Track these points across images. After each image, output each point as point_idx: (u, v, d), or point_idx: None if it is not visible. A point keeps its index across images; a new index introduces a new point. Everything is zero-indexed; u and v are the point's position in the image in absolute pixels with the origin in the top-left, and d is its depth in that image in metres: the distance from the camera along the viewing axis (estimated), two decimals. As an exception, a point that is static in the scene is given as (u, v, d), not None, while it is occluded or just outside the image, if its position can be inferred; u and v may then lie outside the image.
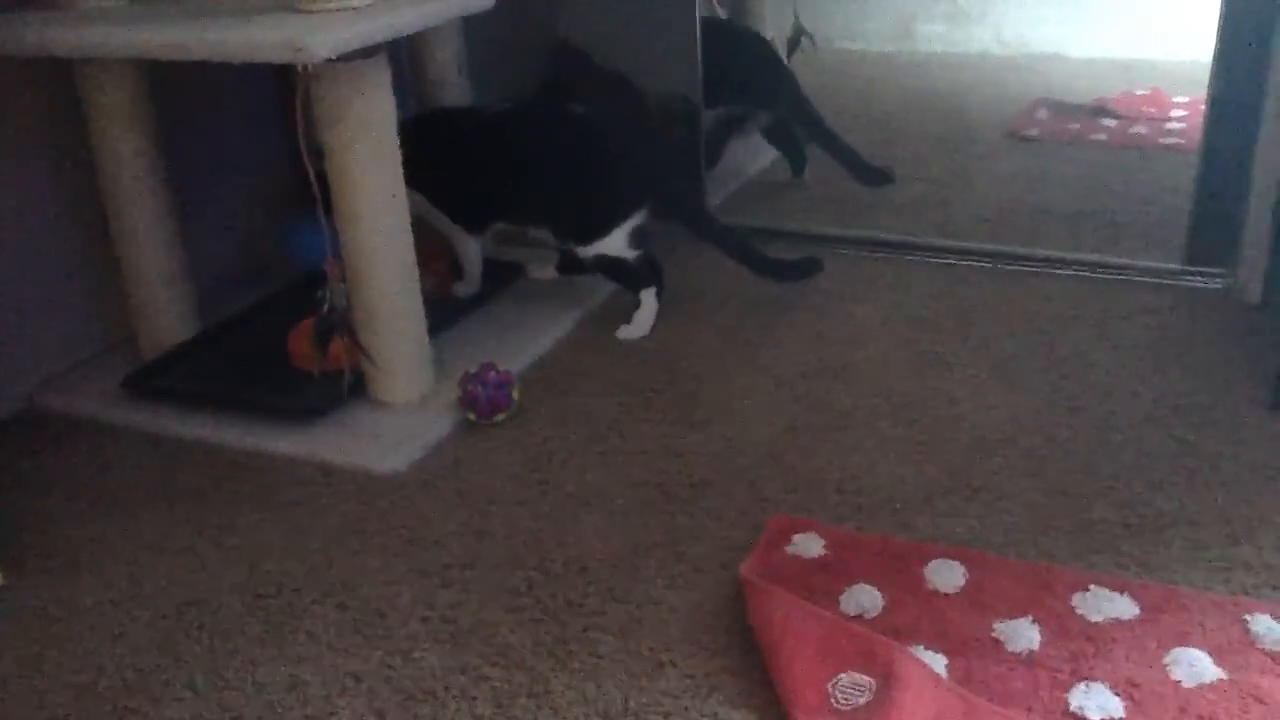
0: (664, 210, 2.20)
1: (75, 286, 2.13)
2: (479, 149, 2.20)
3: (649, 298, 2.18)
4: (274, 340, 2.07)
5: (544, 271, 2.38)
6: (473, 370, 1.88)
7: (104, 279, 2.12)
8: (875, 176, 2.77)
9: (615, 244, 2.14)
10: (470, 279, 2.30)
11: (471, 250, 2.28)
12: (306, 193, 1.74)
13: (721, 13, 3.03)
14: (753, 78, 2.83)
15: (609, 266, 2.17)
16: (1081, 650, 1.32)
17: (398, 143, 1.87)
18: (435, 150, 2.18)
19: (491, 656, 1.39)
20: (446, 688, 1.35)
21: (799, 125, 2.82)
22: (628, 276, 2.18)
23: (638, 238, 2.15)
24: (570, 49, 2.60)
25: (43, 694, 1.38)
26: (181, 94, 2.17)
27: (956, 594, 1.43)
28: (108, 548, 1.65)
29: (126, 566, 1.60)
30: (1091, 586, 1.42)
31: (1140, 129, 3.15)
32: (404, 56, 2.41)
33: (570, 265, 2.29)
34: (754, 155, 2.98)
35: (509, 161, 2.17)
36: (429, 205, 2.20)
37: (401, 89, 1.89)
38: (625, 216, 2.13)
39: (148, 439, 1.92)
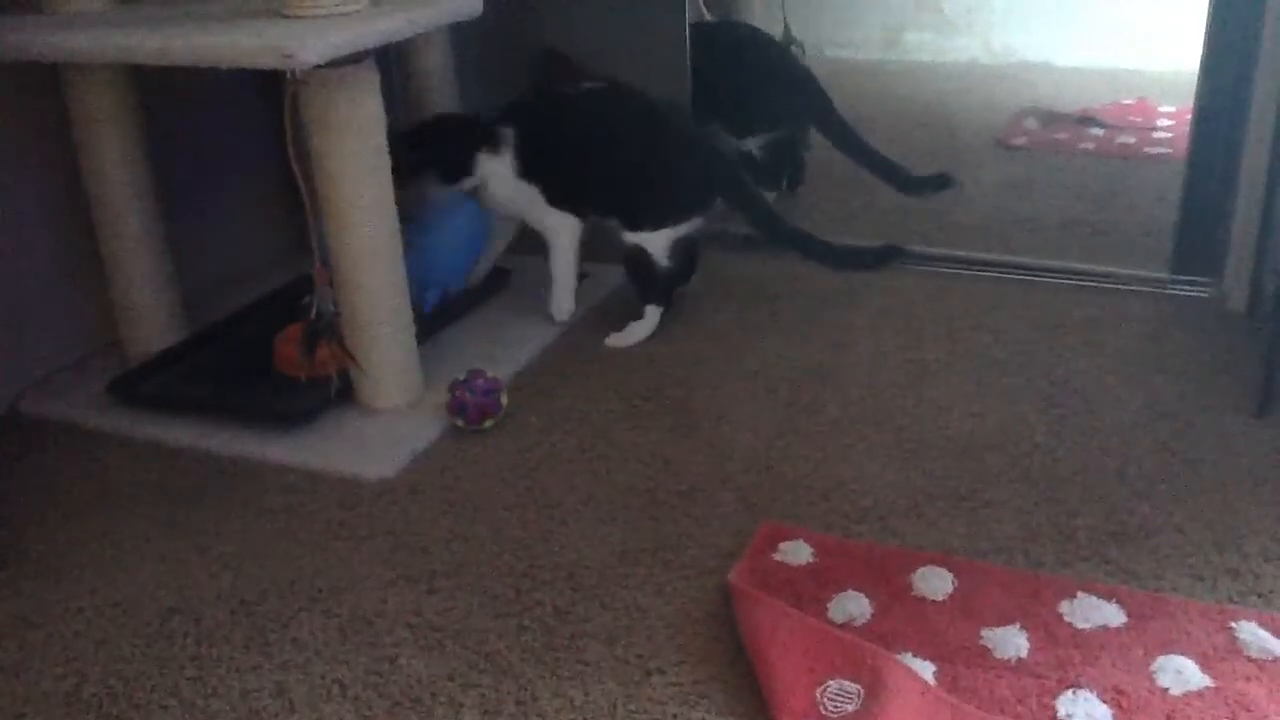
0: (736, 209, 2.21)
1: (61, 291, 2.12)
2: (582, 129, 2.16)
3: (652, 315, 2.17)
4: (261, 345, 2.07)
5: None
6: (461, 376, 1.88)
7: (90, 283, 2.12)
8: (924, 185, 2.54)
9: (658, 244, 2.13)
10: (564, 293, 2.22)
11: (572, 250, 2.19)
12: (296, 198, 1.74)
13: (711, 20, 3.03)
14: (789, 97, 2.69)
15: (640, 264, 2.15)
16: (1069, 658, 1.32)
17: (513, 134, 2.02)
18: (548, 134, 2.15)
19: (479, 663, 1.38)
20: (434, 695, 1.34)
21: (833, 142, 2.65)
22: (648, 283, 2.16)
23: (679, 249, 2.15)
24: (556, 55, 2.60)
25: (25, 701, 1.37)
26: (169, 99, 2.16)
27: (944, 601, 1.43)
28: (92, 554, 1.64)
29: (111, 573, 1.59)
30: (1079, 594, 1.42)
31: (1127, 138, 3.16)
32: (392, 60, 2.40)
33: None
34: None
35: (604, 141, 2.15)
36: (538, 198, 2.15)
37: (390, 94, 1.89)
38: (680, 219, 2.13)
39: (133, 444, 1.91)
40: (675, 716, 1.28)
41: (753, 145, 2.70)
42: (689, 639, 1.40)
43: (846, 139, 2.60)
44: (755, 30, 2.93)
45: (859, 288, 2.33)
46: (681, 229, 2.14)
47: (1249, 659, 1.31)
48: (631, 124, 2.16)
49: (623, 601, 1.47)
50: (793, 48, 3.05)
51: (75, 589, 1.57)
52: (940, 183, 2.53)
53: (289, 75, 1.64)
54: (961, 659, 1.32)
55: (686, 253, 2.21)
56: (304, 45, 1.60)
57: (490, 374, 1.89)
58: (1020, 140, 3.21)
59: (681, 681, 1.33)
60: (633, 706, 1.30)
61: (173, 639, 1.46)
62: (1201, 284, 2.23)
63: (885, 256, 2.26)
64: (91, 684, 1.39)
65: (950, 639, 1.36)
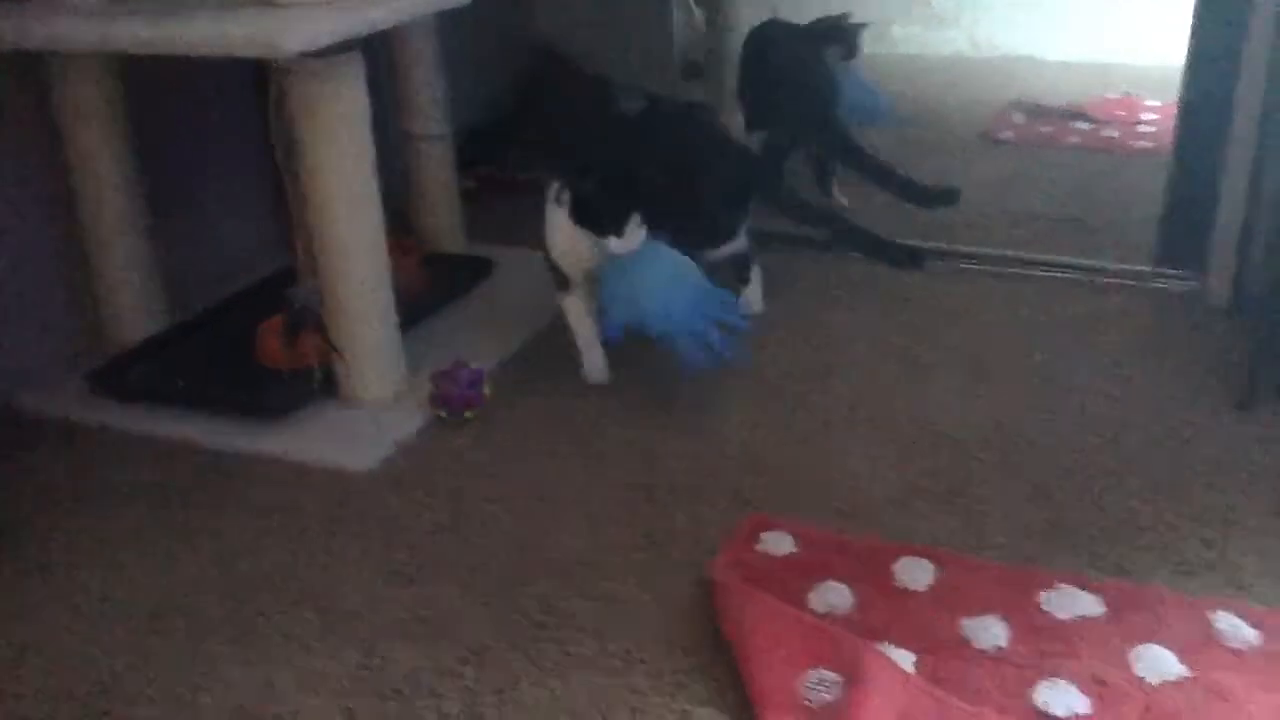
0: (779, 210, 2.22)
1: (48, 286, 2.10)
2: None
3: None
4: (243, 337, 2.05)
5: None
6: (444, 367, 1.88)
7: (81, 280, 2.10)
8: (938, 198, 2.51)
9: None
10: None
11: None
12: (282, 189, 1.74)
13: (699, 15, 3.02)
14: (806, 106, 2.61)
15: None
16: (1049, 647, 1.33)
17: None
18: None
19: (463, 655, 1.39)
20: (417, 686, 1.34)
21: (843, 163, 2.62)
22: None
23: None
24: (552, 54, 2.59)
25: (15, 697, 1.37)
26: (155, 89, 2.15)
27: (925, 592, 1.43)
28: (80, 549, 1.63)
29: (99, 569, 1.59)
30: (1059, 585, 1.43)
31: (1113, 132, 3.17)
32: (378, 51, 2.39)
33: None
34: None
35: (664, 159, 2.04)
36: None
37: (376, 85, 1.88)
38: (723, 243, 2.12)
39: (120, 439, 1.90)
40: (656, 706, 1.29)
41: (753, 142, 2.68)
42: (672, 631, 1.40)
43: (848, 152, 2.58)
44: (785, 35, 2.76)
45: (846, 284, 2.34)
46: (723, 252, 2.13)
47: (1227, 649, 1.32)
48: (690, 145, 2.13)
49: (606, 593, 1.48)
50: None
51: (65, 585, 1.56)
52: (948, 197, 2.51)
53: (273, 64, 1.63)
54: (942, 649, 1.33)
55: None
56: (289, 34, 1.60)
57: (474, 365, 1.89)
58: (1007, 134, 3.22)
59: (663, 672, 1.34)
60: (613, 697, 1.31)
61: (161, 634, 1.46)
62: (1185, 278, 2.24)
63: (915, 259, 2.28)
64: (81, 679, 1.39)
65: (931, 629, 1.36)
